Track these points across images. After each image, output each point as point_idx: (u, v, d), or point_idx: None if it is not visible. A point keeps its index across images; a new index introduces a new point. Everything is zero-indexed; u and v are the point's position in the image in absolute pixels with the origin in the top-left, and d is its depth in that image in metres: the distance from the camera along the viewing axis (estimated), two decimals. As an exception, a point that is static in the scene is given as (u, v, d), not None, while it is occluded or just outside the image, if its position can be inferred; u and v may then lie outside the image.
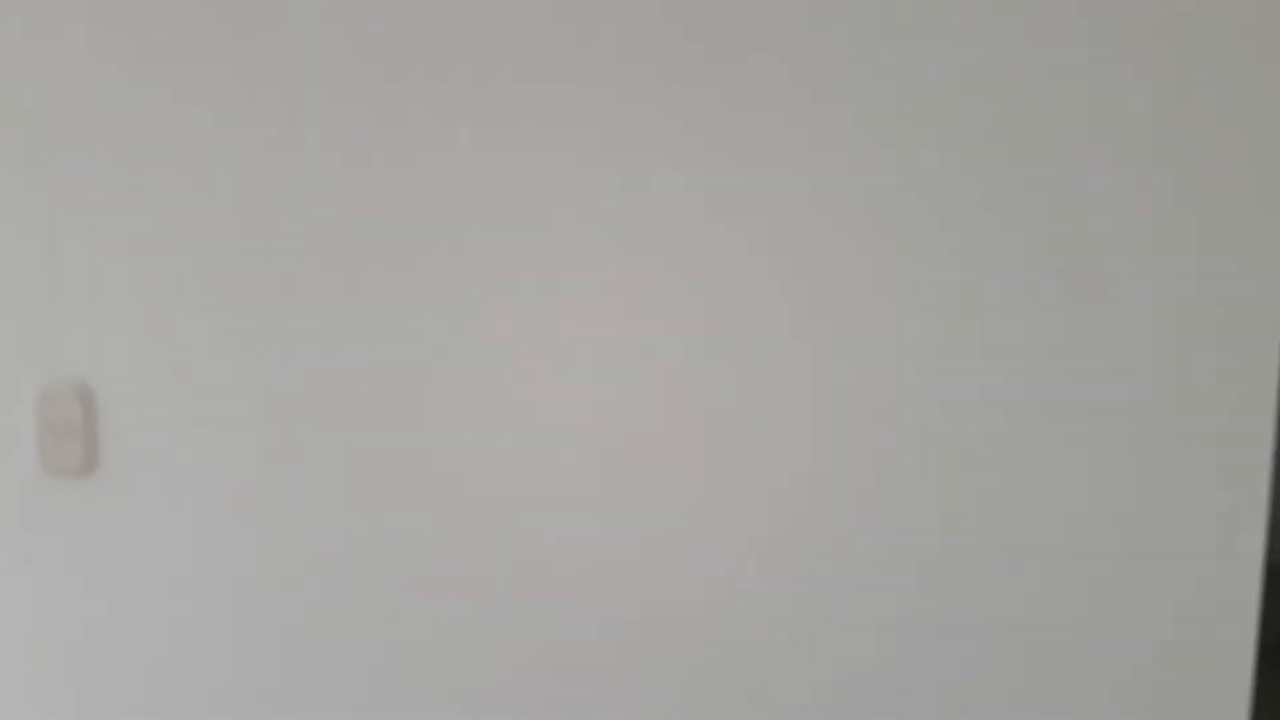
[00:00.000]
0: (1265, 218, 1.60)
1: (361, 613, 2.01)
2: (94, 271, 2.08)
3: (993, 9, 1.68)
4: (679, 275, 1.86)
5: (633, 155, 1.86)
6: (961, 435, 1.74)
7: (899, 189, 1.74)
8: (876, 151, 1.75)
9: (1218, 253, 1.62)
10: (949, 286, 1.73)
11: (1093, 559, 1.69)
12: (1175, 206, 1.63)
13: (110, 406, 2.10)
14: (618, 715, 1.94)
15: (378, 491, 1.99)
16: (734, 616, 1.87)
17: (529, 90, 1.90)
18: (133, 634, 2.13)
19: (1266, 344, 1.60)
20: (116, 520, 2.12)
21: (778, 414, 1.82)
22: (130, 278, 2.07)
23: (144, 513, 2.10)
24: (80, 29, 2.06)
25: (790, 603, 1.84)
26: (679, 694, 1.91)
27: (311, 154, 1.98)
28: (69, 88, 2.07)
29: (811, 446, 1.81)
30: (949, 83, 1.71)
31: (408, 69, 1.95)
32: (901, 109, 1.73)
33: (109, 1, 2.05)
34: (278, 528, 2.04)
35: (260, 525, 2.05)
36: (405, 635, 2.01)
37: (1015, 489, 1.72)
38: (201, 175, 2.02)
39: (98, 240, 2.07)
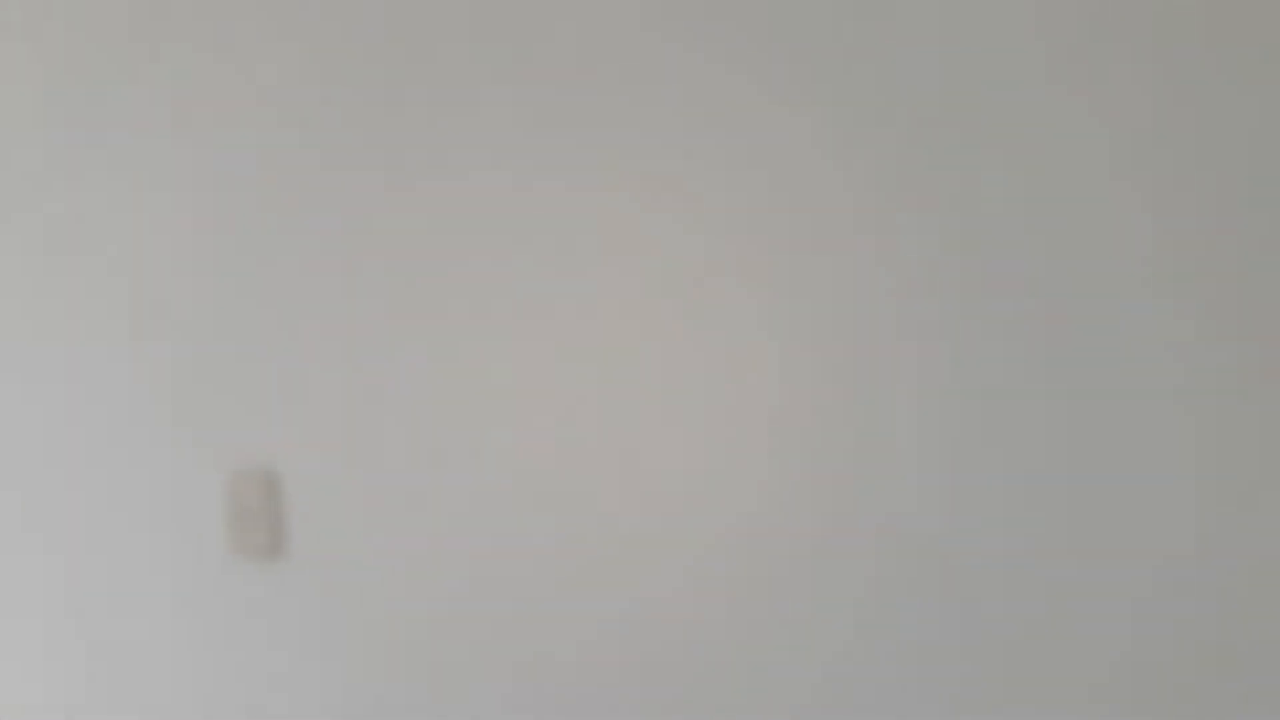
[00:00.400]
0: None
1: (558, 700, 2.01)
2: (280, 354, 2.11)
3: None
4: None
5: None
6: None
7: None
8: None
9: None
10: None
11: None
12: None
13: (296, 490, 2.12)
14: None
15: (548, 564, 1.99)
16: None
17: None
18: (320, 715, 2.14)
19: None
20: (303, 602, 2.12)
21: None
22: (317, 360, 2.08)
23: (330, 595, 2.10)
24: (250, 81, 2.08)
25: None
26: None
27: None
28: (263, 171, 2.10)
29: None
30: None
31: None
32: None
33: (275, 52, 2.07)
34: (456, 609, 2.03)
35: (442, 606, 2.04)
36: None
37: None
38: (380, 260, 2.04)
39: (288, 335, 2.10)
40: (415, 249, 2.01)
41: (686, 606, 1.89)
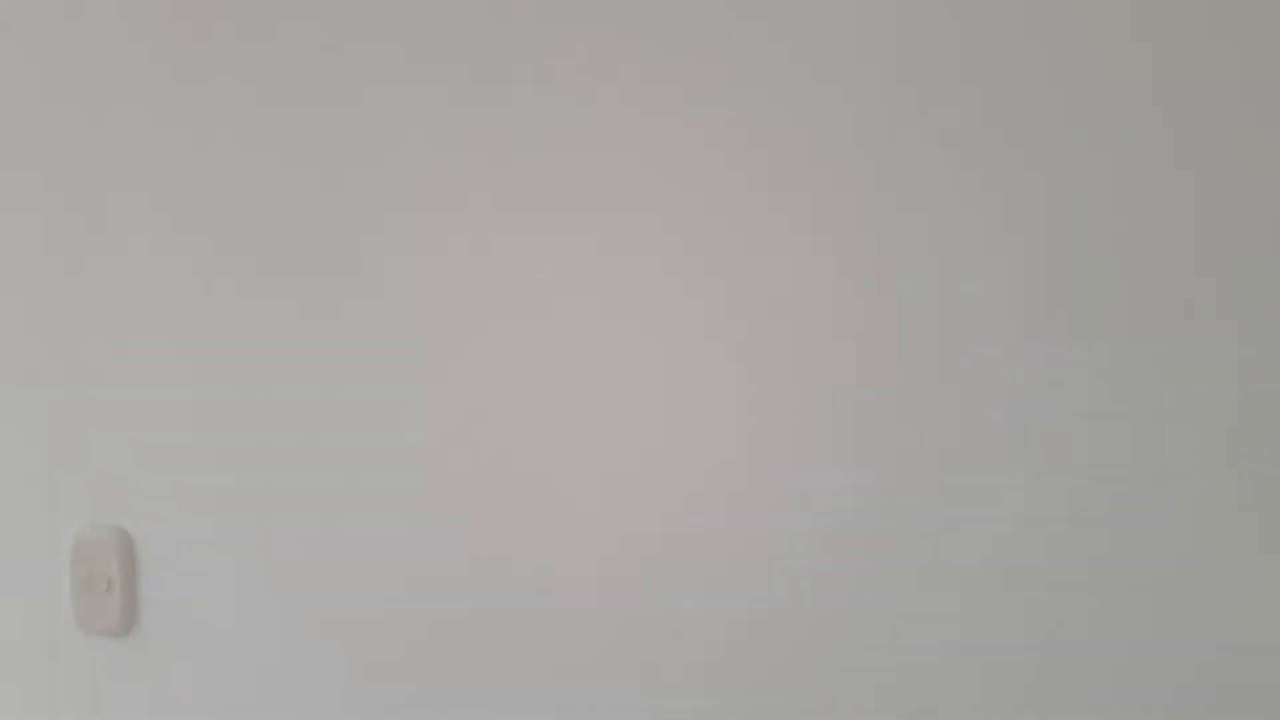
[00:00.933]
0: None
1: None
2: (133, 416, 1.97)
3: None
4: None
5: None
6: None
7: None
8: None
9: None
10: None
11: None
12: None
13: (151, 559, 1.97)
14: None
15: (443, 640, 1.91)
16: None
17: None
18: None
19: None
20: (157, 682, 1.98)
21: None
22: (171, 423, 1.95)
23: (186, 675, 1.97)
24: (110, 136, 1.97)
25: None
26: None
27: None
28: (110, 222, 1.98)
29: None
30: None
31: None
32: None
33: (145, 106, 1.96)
34: (323, 688, 1.93)
35: (304, 684, 1.93)
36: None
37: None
38: (238, 316, 1.93)
39: (136, 384, 1.97)
40: (300, 276, 1.91)
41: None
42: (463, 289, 1.86)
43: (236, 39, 1.92)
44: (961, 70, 1.69)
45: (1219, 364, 1.63)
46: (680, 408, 1.81)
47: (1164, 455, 1.65)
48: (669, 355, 1.81)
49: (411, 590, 1.89)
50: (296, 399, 1.91)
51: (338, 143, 1.89)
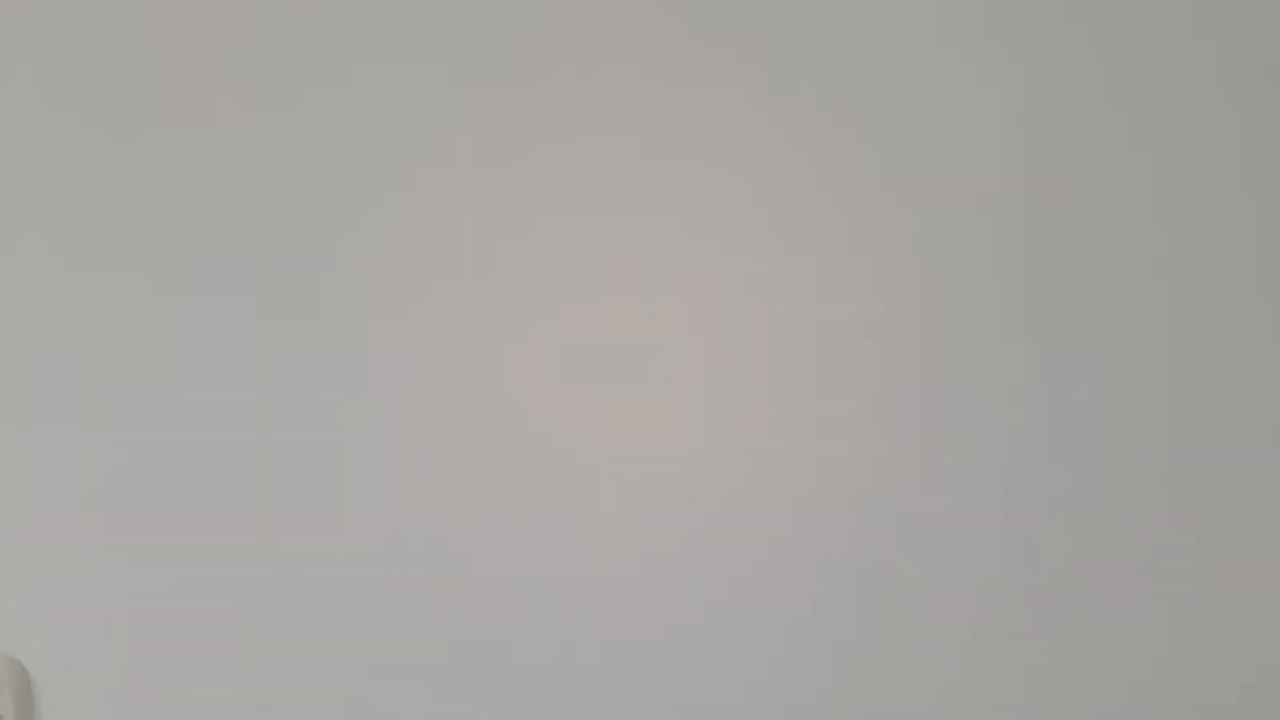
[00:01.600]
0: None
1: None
2: (31, 539, 1.82)
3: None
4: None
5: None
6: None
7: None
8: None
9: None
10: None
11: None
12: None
13: (51, 694, 1.80)
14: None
15: None
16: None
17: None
18: None
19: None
20: None
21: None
22: (70, 545, 1.82)
23: None
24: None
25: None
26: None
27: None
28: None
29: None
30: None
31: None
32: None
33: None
34: None
35: None
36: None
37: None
38: (123, 426, 1.83)
39: (33, 500, 1.82)
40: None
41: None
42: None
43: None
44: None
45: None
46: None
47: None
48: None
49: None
50: (216, 514, 1.82)
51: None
